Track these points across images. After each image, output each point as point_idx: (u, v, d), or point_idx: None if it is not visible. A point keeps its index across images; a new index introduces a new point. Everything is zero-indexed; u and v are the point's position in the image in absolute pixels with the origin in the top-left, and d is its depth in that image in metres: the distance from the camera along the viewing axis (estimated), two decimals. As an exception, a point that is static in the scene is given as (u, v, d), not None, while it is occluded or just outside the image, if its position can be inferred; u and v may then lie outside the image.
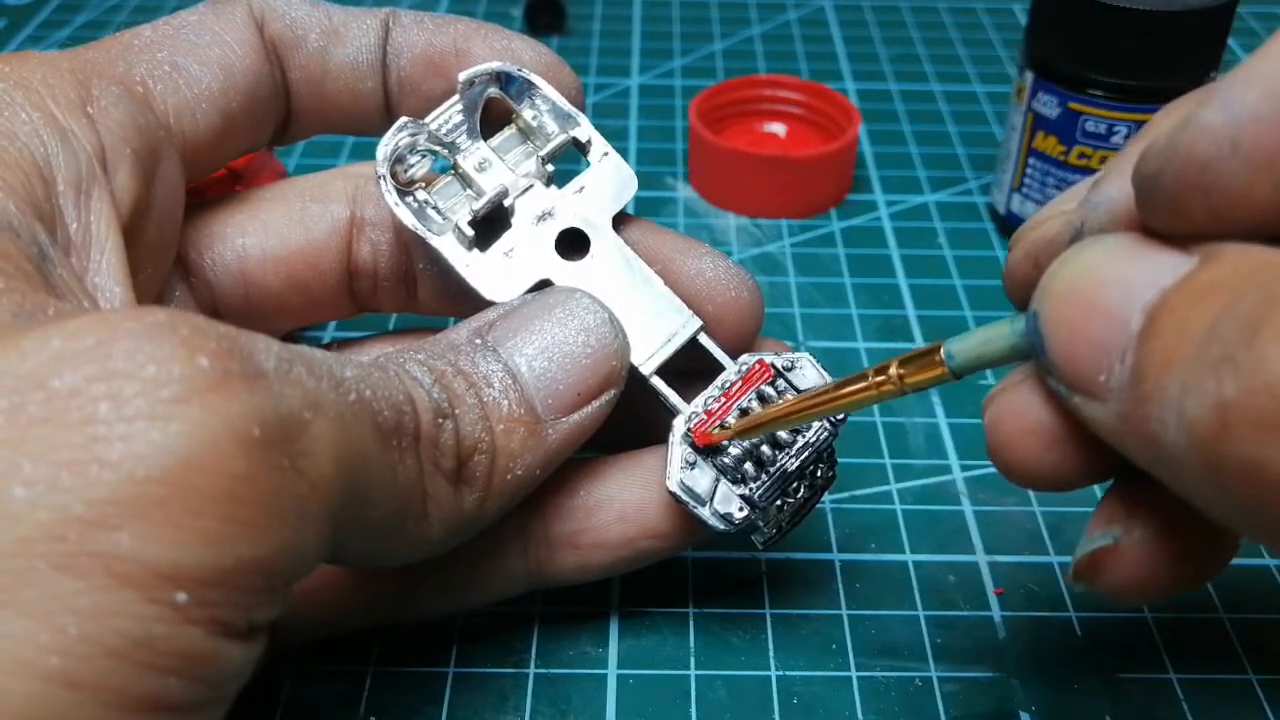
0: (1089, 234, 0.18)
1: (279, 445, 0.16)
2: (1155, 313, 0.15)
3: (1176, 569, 0.18)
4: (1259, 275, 0.14)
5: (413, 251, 0.27)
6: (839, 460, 0.27)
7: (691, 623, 0.29)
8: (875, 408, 0.35)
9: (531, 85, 0.27)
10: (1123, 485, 0.19)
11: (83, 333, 0.15)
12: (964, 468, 0.33)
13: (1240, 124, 0.15)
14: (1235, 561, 0.30)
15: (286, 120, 0.27)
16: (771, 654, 0.28)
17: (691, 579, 0.30)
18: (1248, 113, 0.15)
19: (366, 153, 0.47)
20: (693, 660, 0.28)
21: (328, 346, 0.29)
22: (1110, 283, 0.16)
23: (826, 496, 0.30)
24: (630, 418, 0.26)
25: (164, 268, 0.24)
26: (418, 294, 0.28)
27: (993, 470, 0.33)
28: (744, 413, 0.25)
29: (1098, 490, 0.33)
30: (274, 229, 0.26)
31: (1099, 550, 0.19)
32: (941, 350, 0.19)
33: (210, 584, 0.15)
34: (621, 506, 0.26)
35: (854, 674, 0.27)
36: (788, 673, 0.27)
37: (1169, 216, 0.16)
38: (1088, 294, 0.17)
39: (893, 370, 0.20)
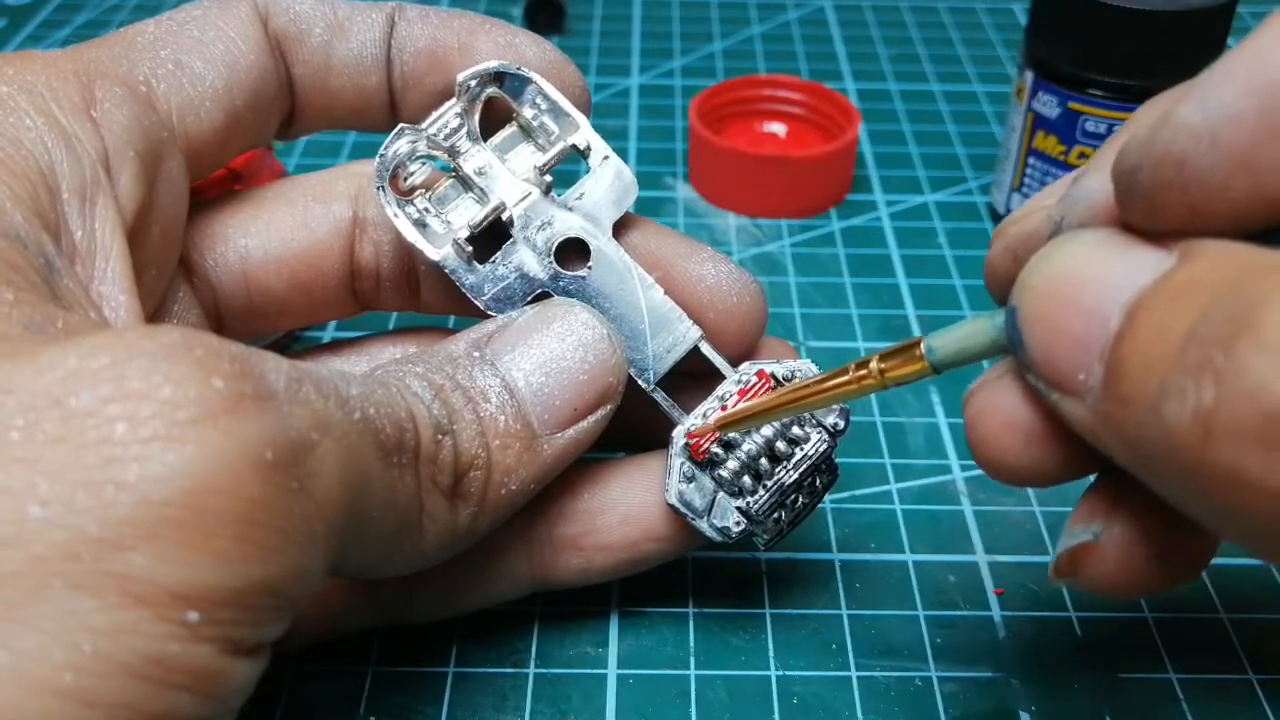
0: (1068, 229, 0.18)
1: (289, 468, 0.16)
2: (1134, 312, 0.15)
3: (1155, 568, 0.18)
4: (1237, 275, 0.14)
5: (414, 255, 0.27)
6: (839, 459, 0.27)
7: (691, 622, 0.29)
8: (875, 407, 0.35)
9: (531, 84, 0.27)
10: (1105, 482, 0.19)
11: (99, 351, 0.15)
12: (964, 468, 0.33)
13: (1217, 120, 0.15)
14: (1235, 561, 0.30)
15: (290, 116, 0.27)
16: (771, 654, 0.28)
17: (691, 579, 0.30)
18: (1225, 109, 0.15)
19: (367, 152, 0.47)
20: (692, 660, 0.28)
21: (327, 346, 0.29)
22: (1089, 280, 0.16)
23: (826, 496, 0.30)
24: (634, 420, 0.26)
25: (168, 270, 0.24)
26: (420, 293, 0.28)
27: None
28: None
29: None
30: (276, 230, 0.26)
31: (1079, 546, 0.19)
32: (922, 345, 0.19)
33: (222, 604, 0.15)
34: (625, 509, 0.26)
35: (854, 674, 0.27)
36: (787, 673, 0.27)
37: (1147, 212, 0.16)
38: (1066, 290, 0.17)
39: (873, 365, 0.20)
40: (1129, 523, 0.18)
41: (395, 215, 0.25)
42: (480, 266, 0.26)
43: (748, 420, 0.24)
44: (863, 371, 0.21)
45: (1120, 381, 0.15)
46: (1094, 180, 0.18)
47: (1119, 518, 0.19)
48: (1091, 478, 0.20)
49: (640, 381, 0.26)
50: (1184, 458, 0.14)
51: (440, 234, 0.26)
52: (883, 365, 0.20)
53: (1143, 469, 0.16)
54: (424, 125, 0.26)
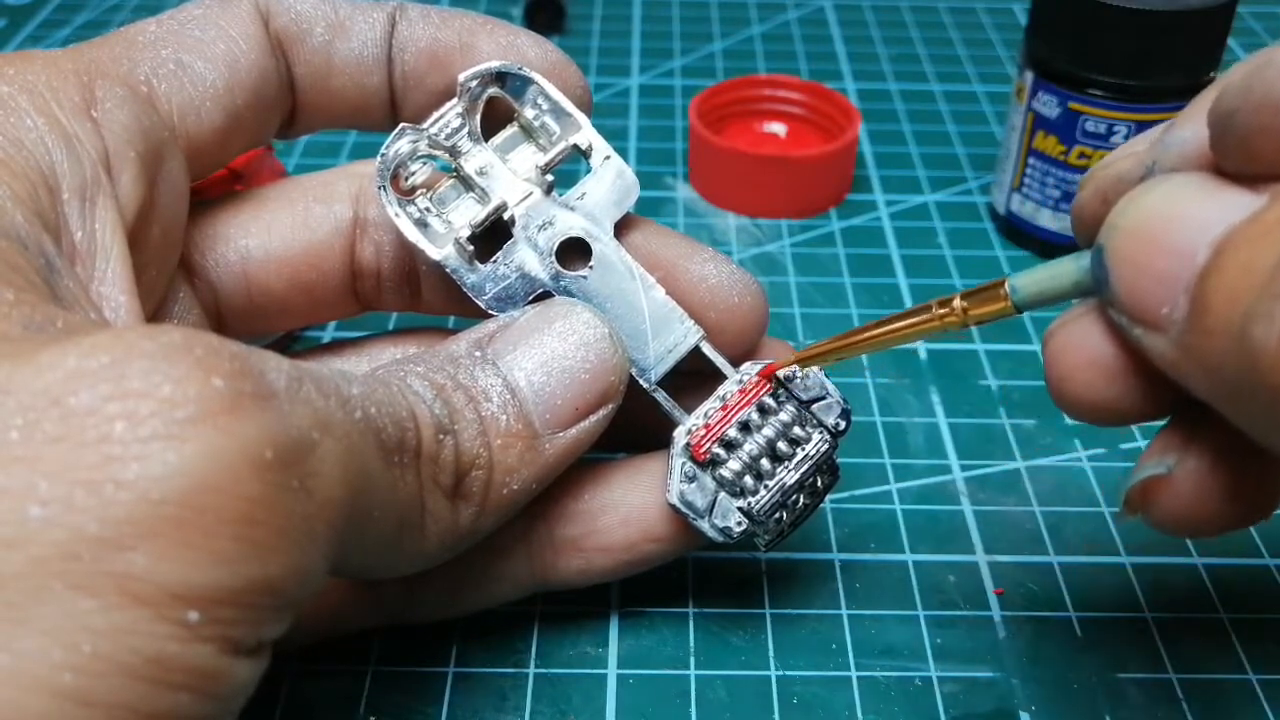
0: (1160, 173, 0.19)
1: (290, 467, 0.16)
2: (1223, 247, 0.16)
3: (1227, 504, 0.19)
4: None
5: (415, 255, 0.27)
6: (840, 459, 0.27)
7: (691, 622, 0.29)
8: (876, 407, 0.35)
9: (533, 84, 0.27)
10: (1179, 421, 0.20)
11: (99, 350, 0.15)
12: (964, 468, 0.33)
13: None
14: (1235, 561, 0.30)
15: (291, 115, 0.27)
16: (771, 654, 0.28)
17: (691, 579, 0.30)
18: None
19: (367, 152, 0.47)
20: (692, 660, 0.28)
21: (328, 346, 0.29)
22: (1178, 218, 0.17)
23: (827, 496, 0.30)
24: (635, 420, 0.26)
25: (168, 270, 0.24)
26: (421, 293, 0.28)
27: (993, 470, 0.33)
28: (744, 426, 0.26)
29: (1098, 488, 0.33)
30: (277, 230, 0.26)
31: (1151, 479, 0.19)
32: (1006, 284, 0.20)
33: (222, 603, 0.15)
34: (625, 510, 0.26)
35: (854, 674, 0.27)
36: (787, 672, 0.27)
37: (1242, 156, 0.16)
38: (1155, 228, 0.17)
39: (957, 303, 0.21)
40: (1203, 457, 0.19)
41: (396, 215, 0.25)
42: (481, 266, 0.26)
43: (830, 354, 0.25)
44: (945, 310, 0.21)
45: (1205, 313, 0.16)
46: (1188, 127, 0.18)
47: (1192, 452, 0.19)
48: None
49: (641, 381, 0.26)
50: (1270, 380, 0.14)
51: (441, 234, 0.26)
52: (965, 304, 0.21)
53: (1224, 400, 0.16)
54: (425, 125, 0.26)
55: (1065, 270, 0.19)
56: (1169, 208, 0.17)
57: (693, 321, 0.26)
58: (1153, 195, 0.17)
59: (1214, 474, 0.19)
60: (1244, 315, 0.15)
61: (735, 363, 0.27)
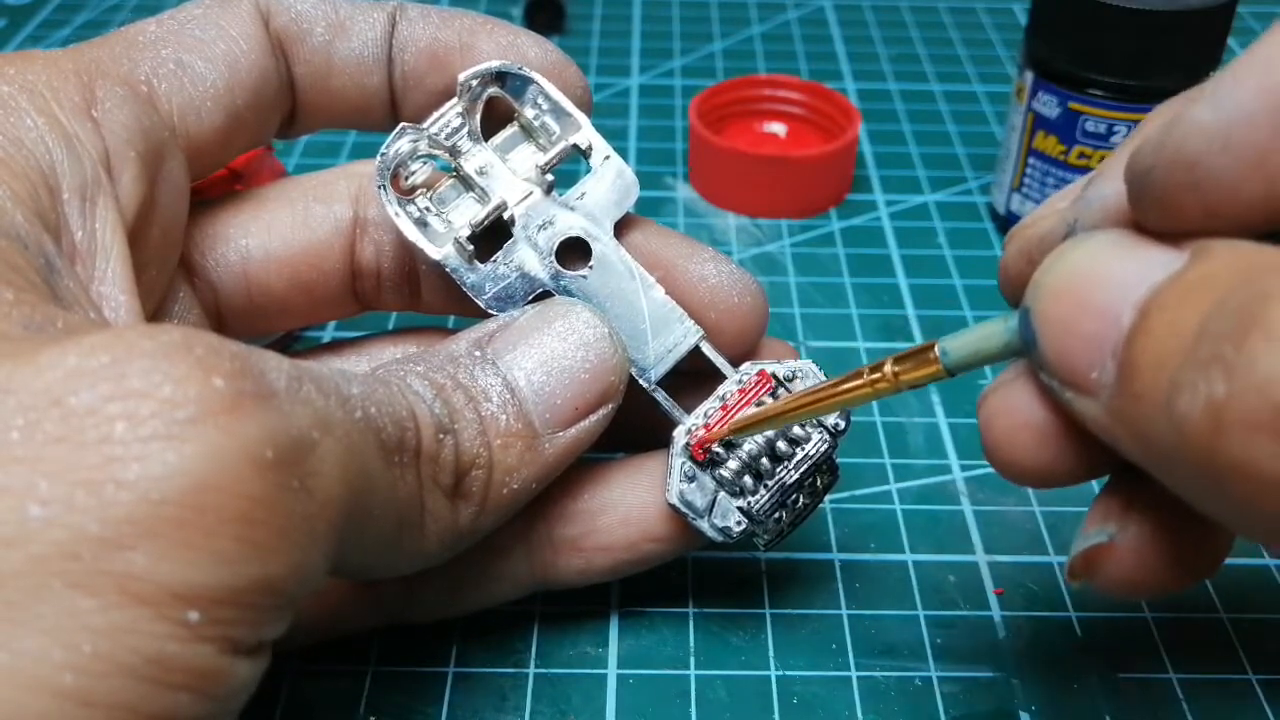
0: (1082, 231, 0.19)
1: (290, 466, 0.16)
2: (1146, 309, 0.16)
3: (1171, 566, 0.19)
4: (1248, 272, 0.15)
5: (415, 254, 0.27)
6: (839, 459, 0.27)
7: (691, 622, 0.29)
8: (875, 407, 0.35)
9: (533, 84, 0.27)
10: (1117, 482, 0.19)
11: (99, 350, 0.15)
12: (964, 468, 0.33)
13: (1230, 121, 0.15)
14: (1235, 561, 0.30)
15: (291, 115, 0.27)
16: (771, 654, 0.28)
17: (691, 579, 0.30)
18: (1238, 110, 0.15)
19: (367, 152, 0.47)
20: (692, 660, 0.28)
21: (327, 346, 0.29)
22: (1102, 279, 0.16)
23: (827, 496, 0.30)
24: (634, 420, 0.26)
25: (168, 269, 0.24)
26: (421, 293, 0.28)
27: (993, 470, 0.33)
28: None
29: (1097, 487, 0.33)
30: (277, 230, 0.26)
31: (1094, 548, 0.19)
32: (936, 348, 0.20)
33: (222, 603, 0.15)
34: (625, 510, 0.26)
35: (854, 674, 0.27)
36: (787, 672, 0.27)
37: (1160, 213, 0.16)
38: (1079, 290, 0.17)
39: (888, 368, 0.20)
40: (1143, 523, 0.19)
41: (396, 214, 0.25)
42: (481, 266, 0.26)
43: (760, 424, 0.24)
44: (876, 375, 0.21)
45: (1133, 377, 0.15)
46: (1107, 183, 0.18)
47: (1133, 518, 0.19)
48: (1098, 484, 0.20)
49: (641, 381, 0.26)
50: (1196, 451, 0.14)
51: (441, 233, 0.26)
52: (896, 368, 0.20)
53: (1156, 465, 0.16)
54: (425, 125, 0.26)
55: (994, 332, 0.19)
56: (1091, 267, 0.17)
57: (692, 321, 0.26)
58: (1075, 254, 0.17)
59: (1155, 539, 0.18)
60: (1170, 383, 0.15)
61: (735, 363, 0.27)
